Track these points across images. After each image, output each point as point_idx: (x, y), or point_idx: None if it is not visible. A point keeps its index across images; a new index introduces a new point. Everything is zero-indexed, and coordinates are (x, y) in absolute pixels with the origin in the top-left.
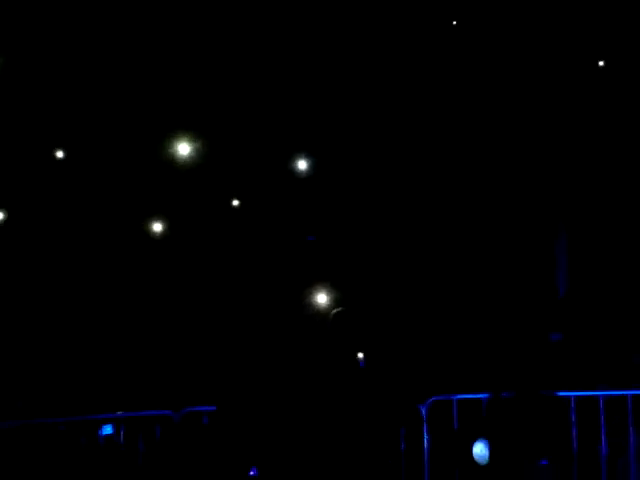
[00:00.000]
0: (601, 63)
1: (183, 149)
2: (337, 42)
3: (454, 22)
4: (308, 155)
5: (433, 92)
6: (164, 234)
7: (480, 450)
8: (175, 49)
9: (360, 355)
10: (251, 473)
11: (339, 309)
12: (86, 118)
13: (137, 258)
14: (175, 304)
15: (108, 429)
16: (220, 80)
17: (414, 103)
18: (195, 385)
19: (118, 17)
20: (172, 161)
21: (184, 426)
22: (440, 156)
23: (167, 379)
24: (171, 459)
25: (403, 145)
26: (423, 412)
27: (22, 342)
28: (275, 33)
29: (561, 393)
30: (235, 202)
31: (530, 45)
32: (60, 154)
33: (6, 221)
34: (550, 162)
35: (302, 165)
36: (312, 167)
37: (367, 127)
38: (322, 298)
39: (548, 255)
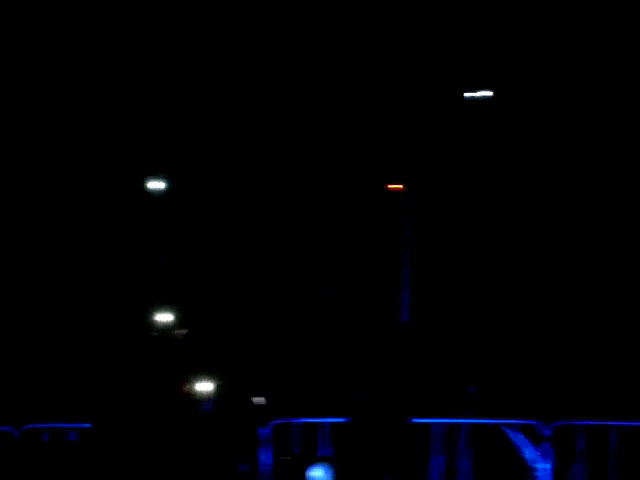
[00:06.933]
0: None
1: None
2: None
3: None
4: (167, 175)
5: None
6: None
7: (318, 474)
8: None
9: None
10: None
11: (185, 330)
12: None
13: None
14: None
15: None
16: None
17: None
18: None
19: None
20: None
21: (24, 443)
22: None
23: (15, 393)
24: (10, 477)
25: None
26: (264, 434)
27: None
28: None
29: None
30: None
31: None
32: None
33: None
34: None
35: (158, 185)
36: (168, 188)
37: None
38: (167, 318)
39: (392, 283)
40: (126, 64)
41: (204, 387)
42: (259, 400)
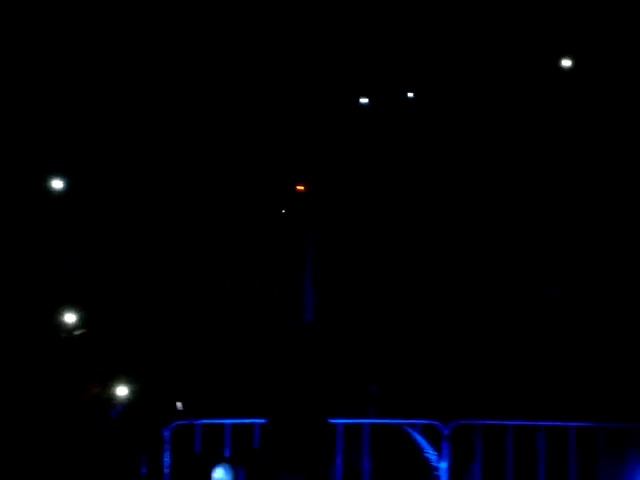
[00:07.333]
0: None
1: None
2: None
3: None
4: (64, 174)
5: None
6: None
7: (220, 475)
8: None
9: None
10: None
11: (82, 330)
12: None
13: None
14: None
15: None
16: None
17: None
18: None
19: None
20: None
21: None
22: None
23: None
24: None
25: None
26: (166, 436)
27: None
28: None
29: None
30: None
31: None
32: None
33: None
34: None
35: (57, 185)
36: (67, 187)
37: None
38: (71, 318)
39: (295, 282)
40: (27, 60)
41: (118, 390)
42: (178, 405)
